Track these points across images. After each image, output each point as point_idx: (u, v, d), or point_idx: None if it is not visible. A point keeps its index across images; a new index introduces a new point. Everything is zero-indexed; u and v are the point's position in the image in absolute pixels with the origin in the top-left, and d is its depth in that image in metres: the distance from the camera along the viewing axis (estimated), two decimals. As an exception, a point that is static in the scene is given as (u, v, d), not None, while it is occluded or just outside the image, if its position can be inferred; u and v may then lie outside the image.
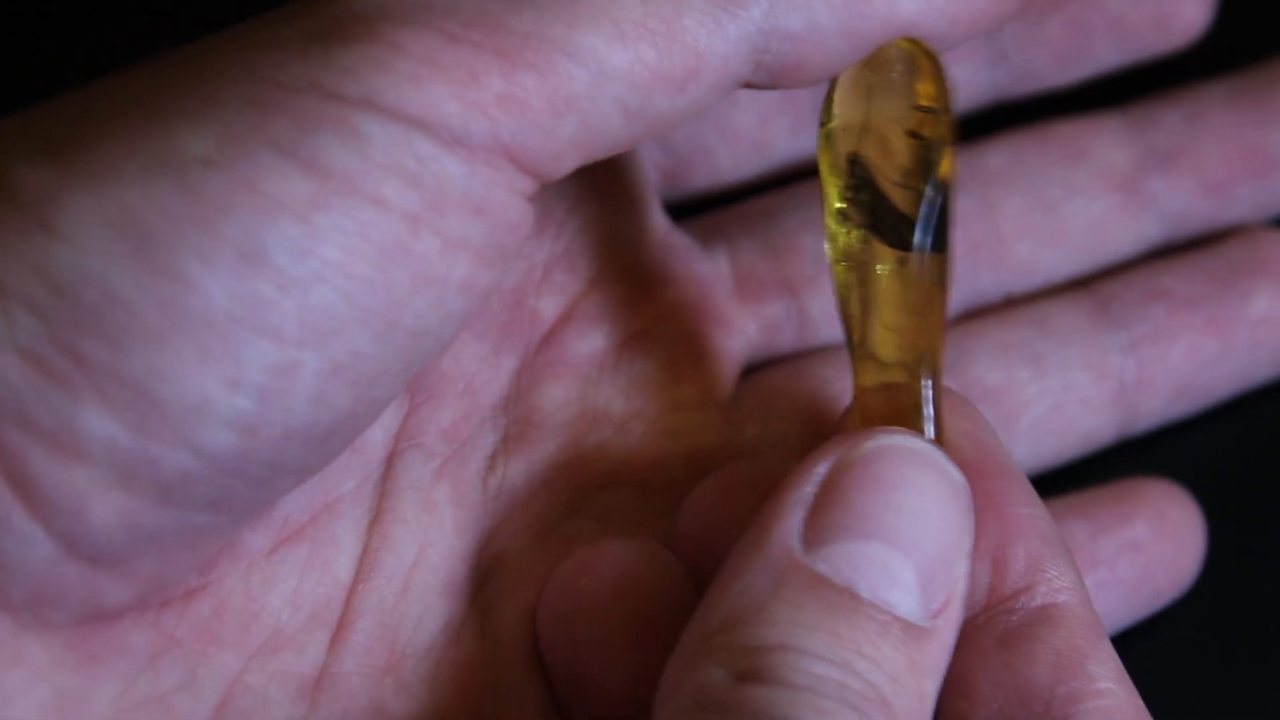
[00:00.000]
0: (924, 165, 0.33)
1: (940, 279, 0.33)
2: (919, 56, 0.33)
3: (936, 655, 0.31)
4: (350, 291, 0.30)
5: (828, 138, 0.34)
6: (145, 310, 0.29)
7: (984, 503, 0.33)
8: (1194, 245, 0.42)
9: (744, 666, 0.30)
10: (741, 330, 0.40)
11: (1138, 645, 0.39)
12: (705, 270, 0.40)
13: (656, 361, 0.38)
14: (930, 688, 0.31)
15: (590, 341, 0.38)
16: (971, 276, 0.41)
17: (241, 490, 0.31)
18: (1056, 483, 0.40)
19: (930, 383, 0.33)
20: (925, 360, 0.33)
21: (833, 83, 0.34)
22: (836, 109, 0.34)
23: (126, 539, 0.30)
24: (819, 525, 0.31)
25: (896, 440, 0.32)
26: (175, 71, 0.31)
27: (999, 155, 0.42)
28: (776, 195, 0.41)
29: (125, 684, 0.32)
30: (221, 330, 0.29)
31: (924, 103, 0.33)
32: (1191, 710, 0.39)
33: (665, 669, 0.31)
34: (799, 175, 0.42)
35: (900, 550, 0.31)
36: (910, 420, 0.33)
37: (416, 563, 0.35)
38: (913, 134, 0.33)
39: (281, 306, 0.29)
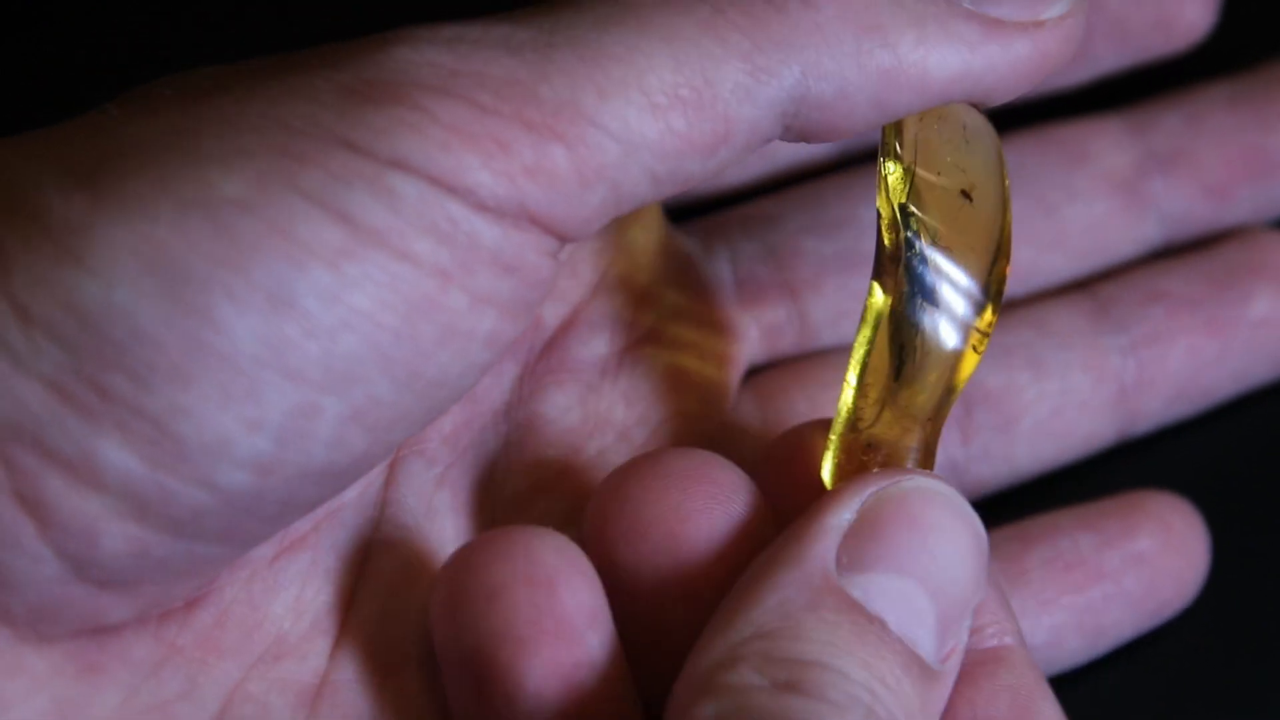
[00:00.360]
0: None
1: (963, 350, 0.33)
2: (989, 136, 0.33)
3: (939, 701, 0.31)
4: (376, 340, 0.30)
5: (891, 180, 0.33)
6: (171, 347, 0.29)
7: None
8: (1194, 247, 0.42)
9: (782, 677, 0.30)
10: (743, 334, 0.40)
11: (1139, 649, 0.39)
12: (707, 274, 0.40)
13: (658, 367, 0.38)
14: None
15: (592, 348, 0.38)
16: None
17: (253, 525, 0.31)
18: (1057, 486, 0.40)
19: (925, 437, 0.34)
20: (935, 418, 0.33)
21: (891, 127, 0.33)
22: (906, 153, 0.33)
23: (134, 565, 0.30)
24: (855, 553, 0.31)
25: (935, 485, 0.32)
26: (204, 114, 0.30)
27: (999, 158, 0.42)
28: (778, 199, 0.41)
29: (126, 693, 0.32)
30: (245, 371, 0.29)
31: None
32: (1194, 714, 0.39)
33: (687, 667, 0.31)
34: (800, 180, 0.42)
35: (929, 592, 0.31)
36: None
37: (418, 570, 0.35)
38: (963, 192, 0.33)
39: (306, 351, 0.29)
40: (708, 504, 0.33)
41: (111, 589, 0.31)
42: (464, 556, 0.33)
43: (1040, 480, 0.41)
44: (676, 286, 0.39)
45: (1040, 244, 0.41)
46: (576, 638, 0.32)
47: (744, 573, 0.32)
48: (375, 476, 0.35)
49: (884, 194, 0.33)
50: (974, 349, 0.33)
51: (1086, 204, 0.41)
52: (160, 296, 0.29)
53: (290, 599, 0.34)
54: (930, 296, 0.33)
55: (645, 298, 0.38)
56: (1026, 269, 0.41)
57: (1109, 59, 0.43)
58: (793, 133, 0.32)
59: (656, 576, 0.33)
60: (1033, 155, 0.42)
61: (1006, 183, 0.34)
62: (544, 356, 0.37)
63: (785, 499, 0.34)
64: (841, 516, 0.31)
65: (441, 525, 0.36)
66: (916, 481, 0.32)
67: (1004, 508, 0.40)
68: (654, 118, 0.31)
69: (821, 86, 0.32)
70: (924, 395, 0.33)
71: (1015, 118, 0.42)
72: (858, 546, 0.31)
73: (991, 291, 0.33)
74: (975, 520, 0.32)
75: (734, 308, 0.40)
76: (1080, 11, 0.33)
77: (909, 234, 0.33)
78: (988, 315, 0.33)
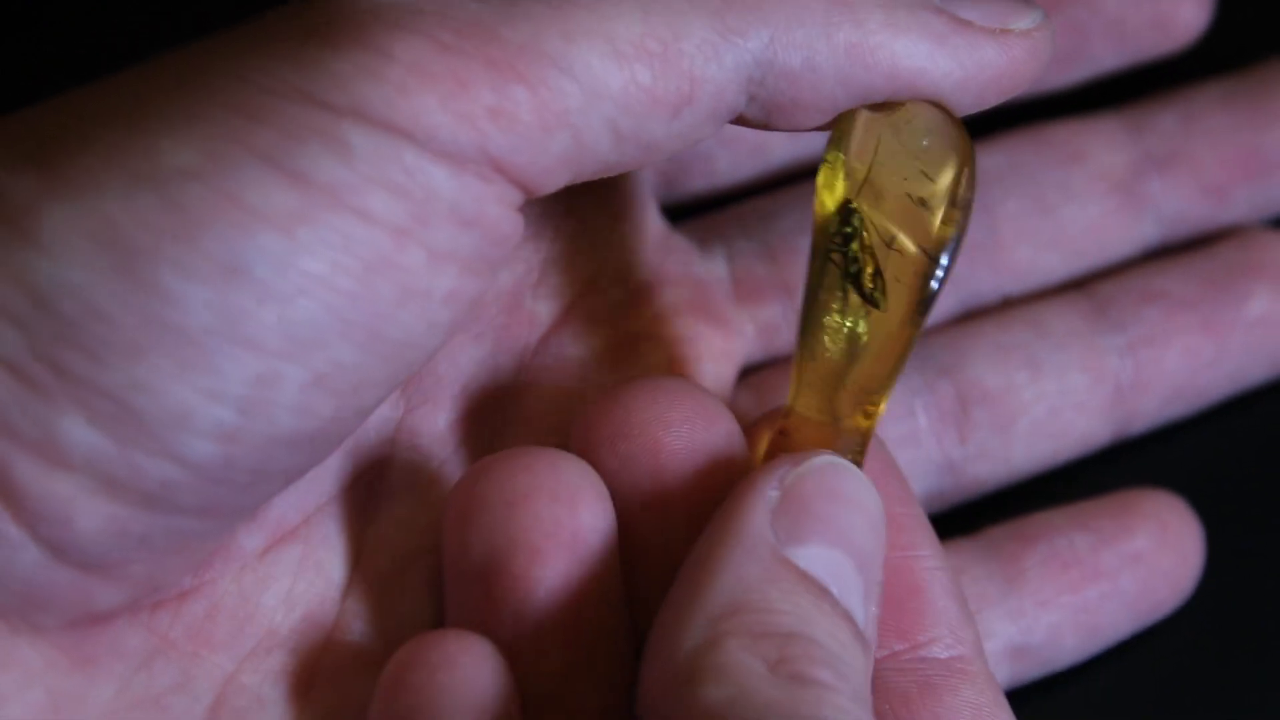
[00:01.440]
0: (918, 231, 0.33)
1: (901, 345, 0.33)
2: (957, 137, 0.33)
3: (870, 669, 0.31)
4: (333, 304, 0.30)
5: (831, 170, 0.33)
6: (124, 323, 0.29)
7: (895, 553, 0.33)
8: (1191, 247, 0.42)
9: (772, 654, 0.30)
10: (739, 331, 0.40)
11: (1134, 648, 0.39)
12: (703, 272, 0.40)
13: (654, 364, 0.38)
14: (871, 702, 0.31)
15: (587, 344, 0.38)
16: (969, 279, 0.41)
17: (227, 496, 0.31)
18: (1053, 485, 0.40)
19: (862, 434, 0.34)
20: (863, 412, 0.33)
21: (847, 117, 0.33)
22: (851, 147, 0.33)
23: (115, 544, 0.30)
24: (789, 526, 0.31)
25: (840, 462, 0.32)
26: (163, 76, 0.30)
27: (996, 158, 0.42)
28: (774, 197, 0.41)
29: (119, 685, 0.32)
30: (201, 342, 0.29)
31: (947, 189, 0.33)
32: (1187, 713, 0.39)
33: (656, 658, 0.31)
34: (796, 178, 0.42)
35: (854, 562, 0.31)
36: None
37: (412, 563, 0.35)
38: (919, 200, 0.33)
39: (262, 319, 0.29)
40: (690, 417, 0.33)
41: (96, 572, 0.31)
42: (484, 468, 0.33)
43: (1037, 480, 0.40)
44: (673, 283, 0.39)
45: (1037, 243, 0.41)
46: (590, 555, 0.32)
47: (689, 554, 0.32)
48: (366, 471, 0.35)
49: (827, 183, 0.33)
50: (869, 339, 0.33)
51: (1083, 204, 0.42)
52: (112, 272, 0.29)
53: (282, 592, 0.34)
54: (868, 299, 0.33)
55: (641, 295, 0.38)
56: (1024, 268, 0.41)
57: (1106, 58, 0.43)
58: (757, 106, 0.32)
59: (636, 483, 0.33)
60: (1029, 155, 0.42)
61: (962, 192, 0.33)
62: (539, 352, 0.37)
63: None
64: (768, 493, 0.31)
65: (436, 519, 0.35)
66: (825, 458, 0.32)
67: (1000, 507, 0.40)
68: (618, 66, 0.31)
69: (789, 55, 0.32)
70: (866, 383, 0.33)
71: (1012, 118, 0.42)
72: (790, 520, 0.31)
73: (889, 284, 0.33)
74: (876, 495, 0.32)
75: (731, 305, 0.40)
76: (1047, 30, 0.34)
77: (844, 229, 0.33)
78: (891, 308, 0.33)
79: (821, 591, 0.31)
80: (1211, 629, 0.40)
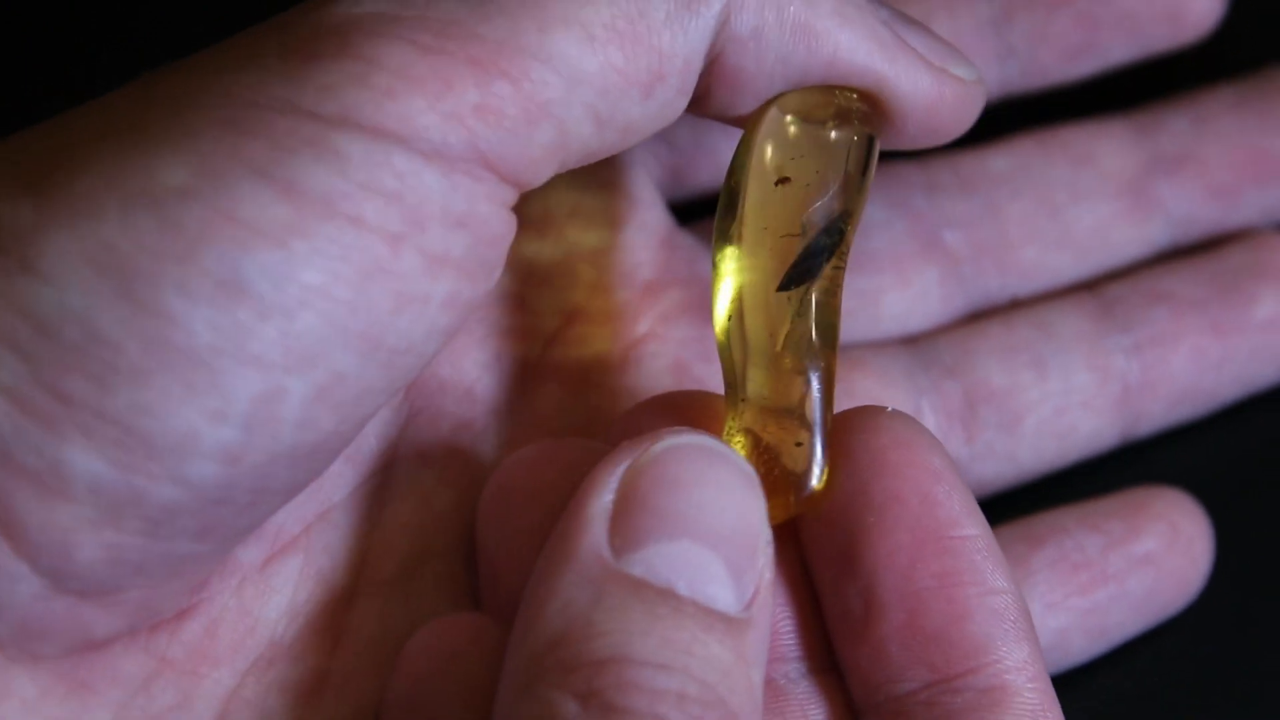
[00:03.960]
0: (824, 216, 0.33)
1: (820, 336, 0.33)
2: (860, 135, 0.33)
3: (757, 645, 0.31)
4: (333, 315, 0.30)
5: (745, 152, 0.34)
6: (128, 347, 0.29)
7: (929, 584, 0.32)
8: (1200, 249, 0.42)
9: (583, 687, 0.29)
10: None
11: (1140, 650, 0.39)
12: (707, 271, 0.40)
13: (660, 365, 0.38)
14: (757, 678, 0.31)
15: (592, 346, 0.38)
16: (977, 279, 0.41)
17: (228, 516, 0.31)
18: (1060, 486, 0.40)
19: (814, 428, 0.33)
20: (800, 403, 0.33)
21: (769, 101, 0.34)
22: (763, 131, 0.34)
23: (113, 572, 0.30)
24: (625, 531, 0.30)
25: (684, 439, 0.31)
26: (153, 96, 0.30)
27: (1004, 159, 0.42)
28: None
29: (117, 709, 0.32)
30: (205, 363, 0.29)
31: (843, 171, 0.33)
32: (1194, 713, 0.39)
33: (497, 699, 0.30)
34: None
35: (708, 545, 0.30)
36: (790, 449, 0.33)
37: (419, 568, 0.35)
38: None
39: (264, 334, 0.29)
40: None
41: (94, 600, 0.30)
42: (519, 458, 0.33)
43: (1043, 481, 0.40)
44: (679, 284, 0.39)
45: (1045, 244, 0.41)
46: None
47: (524, 587, 0.31)
48: (368, 477, 0.35)
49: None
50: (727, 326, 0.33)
51: (1092, 205, 0.41)
52: (113, 297, 0.29)
53: (283, 603, 0.34)
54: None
55: (647, 295, 0.38)
56: (1031, 270, 0.41)
57: (1118, 51, 0.42)
58: (706, 79, 0.33)
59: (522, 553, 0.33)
60: (1038, 157, 0.42)
61: (854, 204, 0.34)
62: (544, 355, 0.37)
63: None
64: (603, 500, 0.31)
65: (441, 524, 0.35)
66: (665, 441, 0.31)
67: (1006, 507, 0.40)
68: (592, 51, 0.31)
69: (741, 20, 0.32)
70: (766, 372, 0.33)
71: (1022, 119, 0.42)
72: (625, 524, 0.30)
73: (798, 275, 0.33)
74: (730, 456, 0.31)
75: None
76: (980, 89, 0.34)
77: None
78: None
79: (660, 594, 0.30)
80: (1218, 631, 0.40)
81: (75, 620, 0.31)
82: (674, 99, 0.32)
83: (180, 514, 0.30)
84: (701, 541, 0.30)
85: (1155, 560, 0.39)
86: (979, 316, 0.41)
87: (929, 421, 0.39)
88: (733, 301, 0.33)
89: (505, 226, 0.32)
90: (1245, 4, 0.43)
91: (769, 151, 0.34)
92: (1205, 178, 0.42)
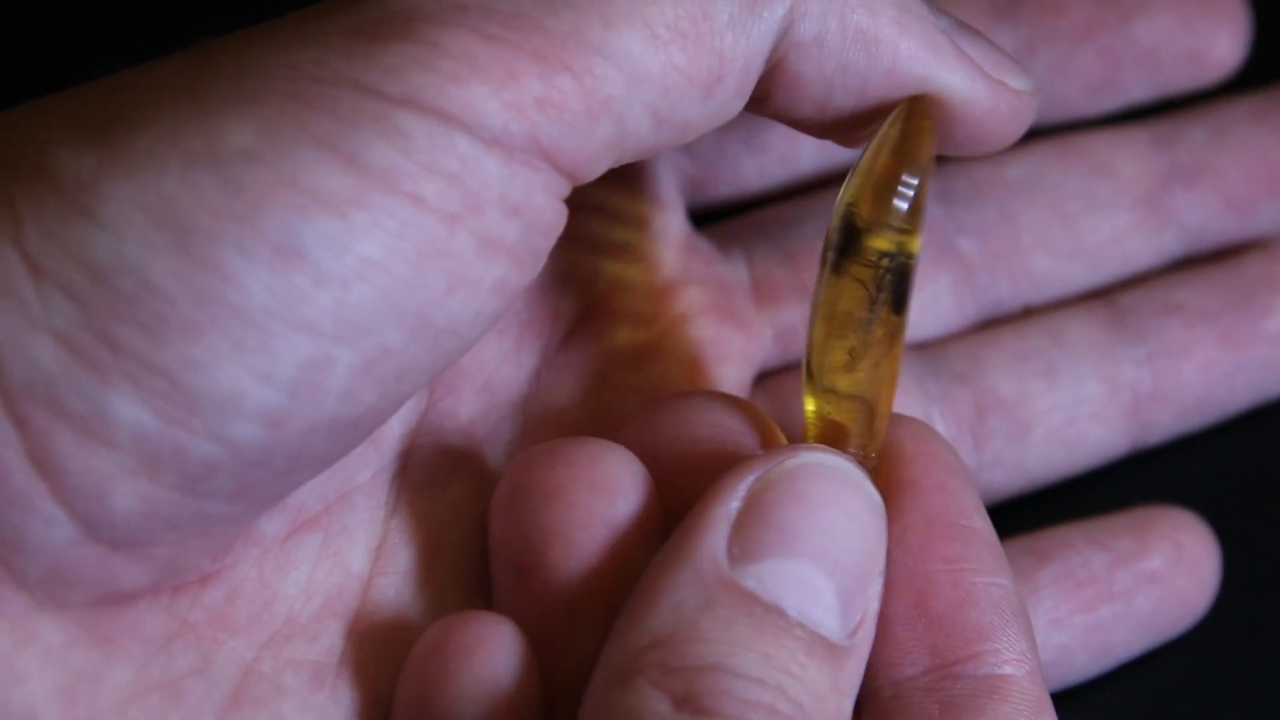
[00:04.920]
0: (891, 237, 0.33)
1: (887, 342, 0.33)
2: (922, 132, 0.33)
3: (853, 674, 0.31)
4: (387, 289, 0.30)
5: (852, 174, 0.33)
6: (182, 301, 0.29)
7: (938, 566, 0.33)
8: (1214, 260, 0.42)
9: (680, 690, 0.30)
10: (758, 334, 0.40)
11: (1147, 666, 0.39)
12: (724, 274, 0.40)
13: (675, 364, 0.38)
14: (847, 707, 0.31)
15: (610, 341, 0.38)
16: (989, 287, 0.41)
17: (263, 481, 0.31)
18: (1068, 495, 0.40)
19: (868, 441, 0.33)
20: (864, 408, 0.33)
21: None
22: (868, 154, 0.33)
23: (146, 525, 0.30)
24: (745, 541, 0.31)
25: (819, 458, 0.32)
26: (216, 63, 0.31)
27: (1021, 166, 0.42)
28: (795, 204, 0.41)
29: (138, 667, 0.32)
30: (257, 323, 0.29)
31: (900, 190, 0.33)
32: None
33: (591, 685, 0.31)
34: (822, 186, 0.42)
35: (825, 569, 0.31)
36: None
37: (435, 558, 0.35)
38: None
39: (318, 301, 0.29)
40: (588, 495, 0.33)
41: (124, 551, 0.31)
42: (531, 458, 0.33)
43: (1052, 490, 0.40)
44: (696, 284, 0.39)
45: (1058, 253, 0.41)
46: (626, 551, 0.33)
47: (641, 577, 0.31)
48: (389, 463, 0.35)
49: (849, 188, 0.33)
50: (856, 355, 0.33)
51: (1106, 214, 0.42)
52: (170, 250, 0.29)
53: (301, 579, 0.34)
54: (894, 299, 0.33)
55: (663, 295, 0.39)
56: (1044, 277, 0.41)
57: (1139, 89, 0.43)
58: (767, 82, 0.33)
59: (546, 561, 0.33)
60: (1053, 165, 0.42)
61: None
62: (563, 349, 0.37)
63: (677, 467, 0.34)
64: (729, 506, 0.31)
65: (456, 513, 0.35)
66: (800, 457, 0.32)
67: (1015, 516, 0.40)
68: (655, 50, 0.31)
69: (804, 26, 0.32)
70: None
71: (1039, 130, 0.42)
72: (747, 534, 0.31)
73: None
74: (864, 485, 0.32)
75: (750, 307, 0.40)
76: (1034, 100, 0.34)
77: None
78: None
79: (768, 610, 0.30)
80: (1225, 643, 0.40)
81: (104, 570, 0.31)
82: (732, 100, 0.32)
83: (218, 472, 0.30)
84: (819, 565, 0.31)
85: (1161, 579, 0.39)
86: (991, 324, 0.41)
87: (938, 428, 0.39)
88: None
89: (557, 217, 0.32)
90: (1267, 17, 0.43)
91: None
92: (1222, 189, 0.42)
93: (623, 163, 0.32)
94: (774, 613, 0.30)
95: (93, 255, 0.29)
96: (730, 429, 0.34)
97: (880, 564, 0.32)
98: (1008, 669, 0.33)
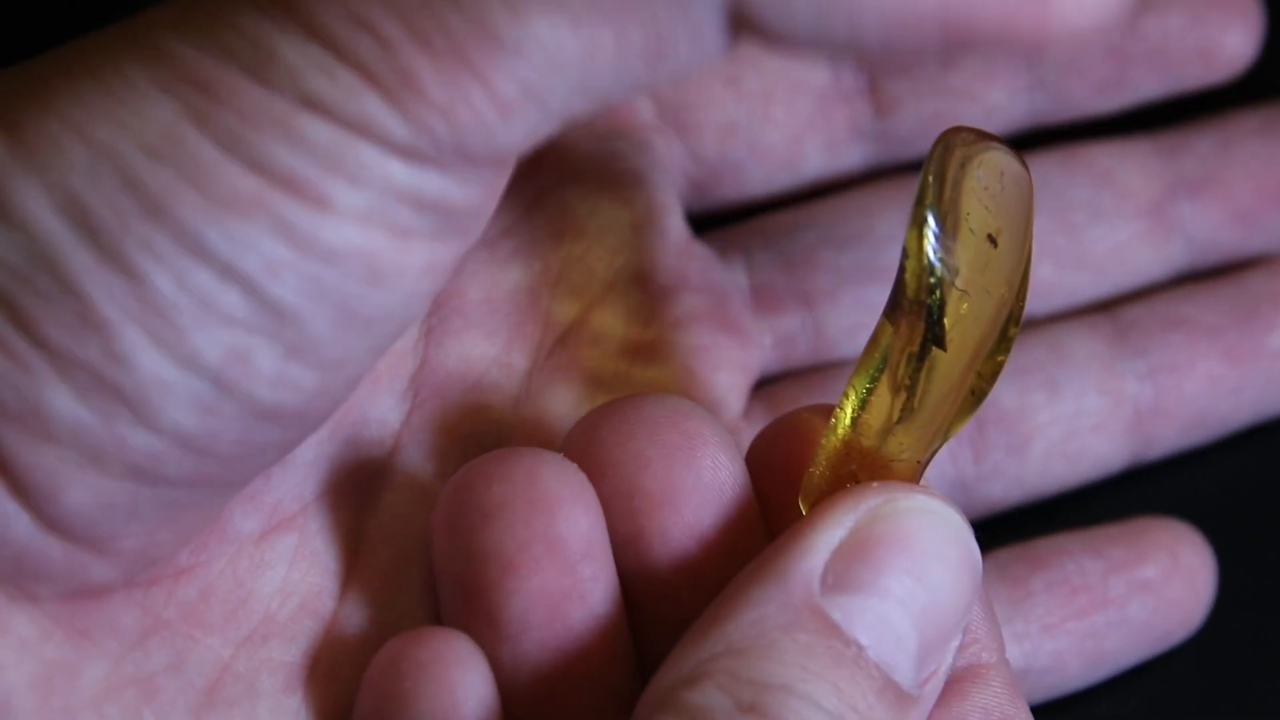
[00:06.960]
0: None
1: (957, 380, 0.32)
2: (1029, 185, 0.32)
3: None
4: (298, 286, 0.29)
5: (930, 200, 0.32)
6: (97, 298, 0.29)
7: None
8: (1219, 273, 0.42)
9: (748, 699, 0.29)
10: (756, 342, 0.39)
11: (1143, 676, 0.39)
12: (722, 280, 0.39)
13: (669, 370, 0.38)
14: None
15: (603, 346, 0.38)
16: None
17: (214, 468, 0.31)
18: (1067, 508, 0.40)
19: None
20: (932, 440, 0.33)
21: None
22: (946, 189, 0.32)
23: (104, 517, 0.30)
24: (842, 573, 0.31)
25: (933, 505, 0.31)
26: (120, 43, 0.30)
27: (1025, 176, 0.41)
28: (795, 211, 0.41)
29: (113, 662, 0.32)
30: (171, 318, 0.29)
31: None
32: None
33: (655, 678, 0.31)
34: (825, 192, 0.42)
35: (912, 618, 0.31)
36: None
37: (412, 561, 0.35)
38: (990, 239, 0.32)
39: (227, 298, 0.29)
40: (667, 454, 0.33)
41: (89, 545, 0.31)
42: (468, 473, 0.33)
43: (1051, 502, 0.40)
44: (693, 290, 0.39)
45: (1061, 263, 0.41)
46: (568, 567, 0.32)
47: (728, 584, 0.31)
48: (370, 464, 0.35)
49: (916, 238, 0.31)
50: (973, 393, 0.33)
51: (1111, 225, 0.41)
52: (81, 249, 0.29)
53: (278, 579, 0.34)
54: (942, 344, 0.32)
55: (659, 300, 0.38)
56: (1047, 288, 0.41)
57: (1147, 86, 0.42)
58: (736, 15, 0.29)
59: (619, 524, 0.33)
60: (1060, 175, 0.41)
61: (1031, 230, 0.33)
62: (554, 353, 0.37)
63: (774, 480, 0.34)
64: (835, 533, 0.31)
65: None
66: (915, 501, 0.31)
67: (1012, 528, 0.40)
68: (574, 34, 0.29)
69: None
70: (916, 434, 0.32)
71: (1045, 138, 0.42)
72: (845, 566, 0.31)
73: (1001, 339, 0.33)
74: (971, 544, 0.32)
75: (748, 314, 0.39)
76: None
77: (933, 280, 0.31)
78: (994, 361, 0.33)
79: (848, 644, 0.30)
80: (1220, 661, 0.39)
81: (72, 564, 0.31)
82: (685, 65, 0.29)
83: (163, 462, 0.30)
84: (908, 612, 0.31)
85: (1155, 588, 0.38)
86: (992, 335, 0.41)
87: None
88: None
89: (484, 197, 0.30)
90: (1275, 28, 0.43)
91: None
92: (1228, 201, 0.41)
93: (562, 128, 0.30)
94: (853, 648, 0.30)
95: (11, 255, 0.29)
96: (678, 433, 0.33)
97: (964, 623, 0.32)
98: (985, 656, 0.33)
